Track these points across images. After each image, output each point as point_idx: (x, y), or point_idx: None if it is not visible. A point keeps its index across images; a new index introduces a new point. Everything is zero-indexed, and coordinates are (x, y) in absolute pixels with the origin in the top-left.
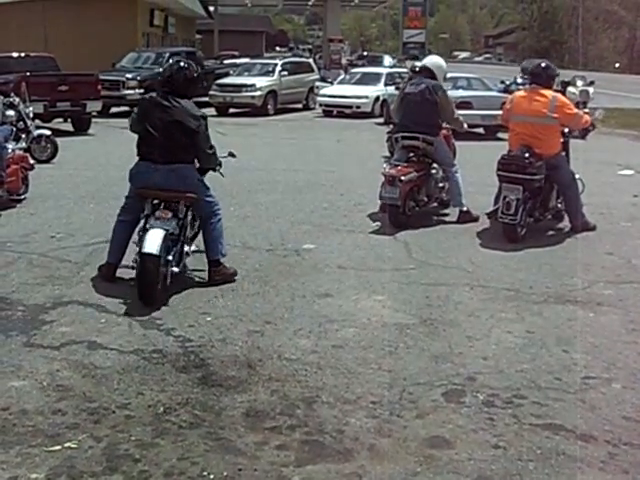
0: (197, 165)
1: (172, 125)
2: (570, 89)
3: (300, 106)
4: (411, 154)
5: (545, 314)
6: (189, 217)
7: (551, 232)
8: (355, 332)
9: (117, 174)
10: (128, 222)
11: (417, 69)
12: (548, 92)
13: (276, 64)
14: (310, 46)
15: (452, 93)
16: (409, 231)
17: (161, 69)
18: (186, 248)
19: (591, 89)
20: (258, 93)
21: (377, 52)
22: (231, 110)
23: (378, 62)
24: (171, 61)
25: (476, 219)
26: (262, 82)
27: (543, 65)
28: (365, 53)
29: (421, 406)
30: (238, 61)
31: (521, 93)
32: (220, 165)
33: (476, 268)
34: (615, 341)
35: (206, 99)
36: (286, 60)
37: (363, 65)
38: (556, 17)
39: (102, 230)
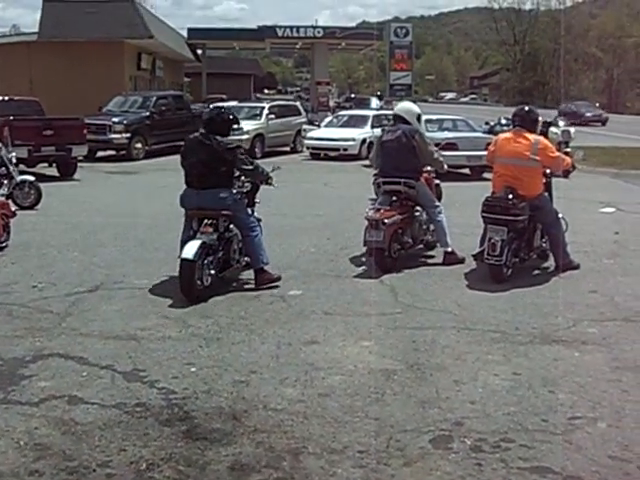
0: (248, 187)
1: (213, 158)
2: (552, 129)
3: (288, 149)
4: (394, 198)
5: (531, 355)
6: (233, 232)
7: (536, 271)
8: (341, 379)
9: (103, 220)
10: (188, 239)
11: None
12: (531, 135)
13: (263, 107)
14: (298, 88)
15: (438, 135)
16: (395, 274)
17: (148, 113)
18: (237, 257)
19: (572, 129)
20: (245, 136)
21: (365, 94)
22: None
23: (365, 104)
24: (210, 108)
25: (462, 261)
26: (249, 125)
27: (527, 109)
28: (352, 95)
29: (408, 454)
30: (226, 104)
31: (505, 135)
32: (270, 178)
33: (462, 310)
34: (600, 380)
35: None
36: (273, 103)
37: (350, 107)
38: (538, 59)
39: (85, 279)
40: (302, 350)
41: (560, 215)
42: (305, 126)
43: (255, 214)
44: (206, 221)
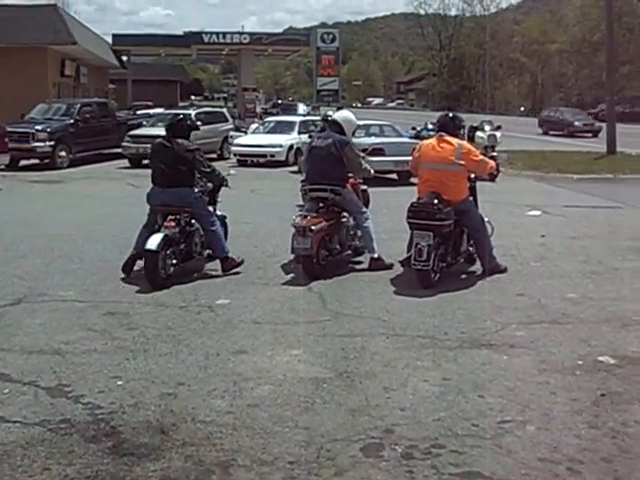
0: (210, 186)
1: (174, 159)
2: (478, 134)
3: (215, 156)
4: (321, 204)
5: (460, 360)
6: (195, 227)
7: (464, 276)
8: (271, 389)
9: (25, 231)
10: (147, 232)
11: (328, 118)
12: (454, 140)
13: (189, 114)
14: (225, 95)
15: (365, 140)
16: (324, 281)
17: (72, 120)
18: (199, 249)
19: (498, 133)
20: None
21: (295, 100)
22: (145, 161)
23: (292, 110)
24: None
25: (389, 266)
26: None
27: (450, 115)
28: (280, 101)
29: (339, 463)
30: (152, 111)
31: (428, 142)
32: (226, 181)
33: (391, 316)
34: (528, 383)
35: (119, 150)
36: (200, 110)
37: (277, 113)
38: (463, 64)
39: (7, 292)
40: (231, 360)
41: (486, 219)
42: (232, 133)
43: (218, 212)
44: (170, 217)
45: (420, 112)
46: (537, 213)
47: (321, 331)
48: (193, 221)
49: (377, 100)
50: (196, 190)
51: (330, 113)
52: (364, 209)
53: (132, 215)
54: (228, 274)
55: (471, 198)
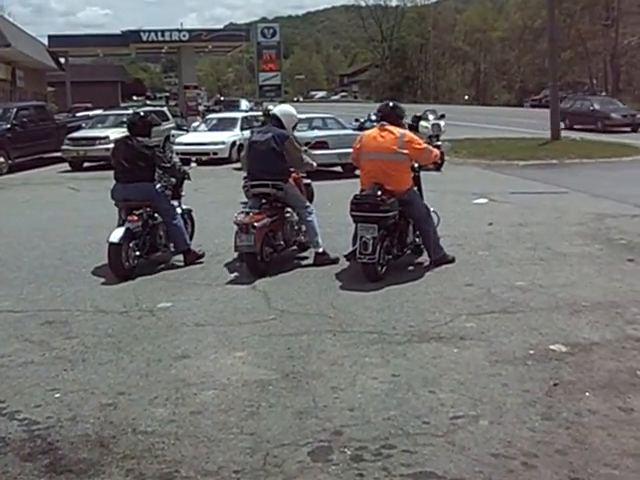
0: (173, 181)
1: (134, 156)
2: (422, 123)
3: None
4: (263, 200)
5: (409, 355)
6: (158, 220)
7: (411, 267)
8: (214, 394)
9: None
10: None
11: (269, 113)
12: (396, 129)
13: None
14: (168, 94)
15: (308, 134)
16: (268, 278)
17: (8, 125)
18: (164, 242)
19: (442, 122)
20: (112, 145)
21: (235, 96)
22: (86, 164)
23: (235, 106)
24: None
25: (335, 261)
26: (116, 134)
27: (391, 105)
28: (222, 98)
29: (287, 469)
30: (91, 113)
31: (370, 132)
32: (188, 174)
33: (338, 313)
34: (480, 375)
35: (59, 154)
36: (141, 109)
37: (220, 110)
38: (406, 54)
39: None
40: (173, 366)
41: (432, 209)
42: (174, 132)
43: (184, 205)
44: (134, 211)
45: (364, 104)
46: (483, 201)
47: (266, 331)
48: (156, 215)
49: (320, 93)
50: (158, 185)
51: (271, 108)
52: (307, 203)
53: (71, 220)
54: (191, 264)
55: (415, 188)
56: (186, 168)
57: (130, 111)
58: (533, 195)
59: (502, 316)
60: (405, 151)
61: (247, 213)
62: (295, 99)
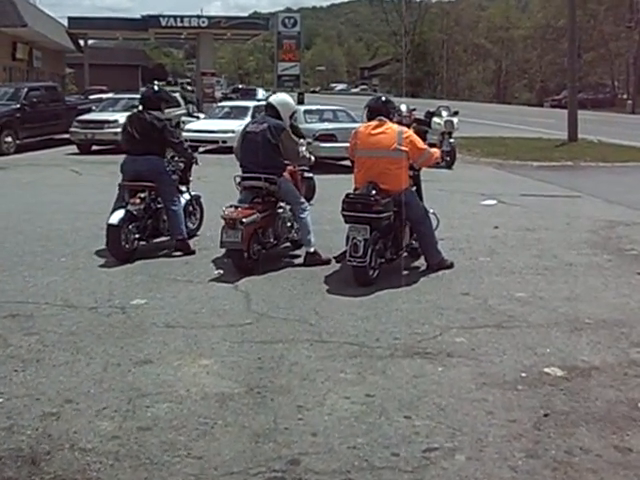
0: (181, 166)
1: (146, 128)
2: (435, 119)
3: None
4: (255, 194)
5: (389, 372)
6: (161, 205)
7: (405, 272)
8: (168, 408)
9: None
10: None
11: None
12: (394, 125)
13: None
14: (189, 80)
15: (317, 126)
16: (254, 277)
17: (18, 105)
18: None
19: (455, 119)
20: (119, 130)
21: (255, 85)
22: (94, 148)
23: (252, 95)
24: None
25: (326, 262)
26: (124, 118)
27: (383, 99)
28: (240, 86)
29: None
30: (104, 96)
31: (366, 125)
32: (195, 158)
33: (320, 319)
34: (463, 400)
35: (67, 136)
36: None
37: (237, 98)
38: (427, 49)
39: None
40: (131, 372)
41: (431, 210)
42: (184, 118)
43: (192, 192)
44: (139, 194)
45: None
46: (492, 202)
47: (239, 336)
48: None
49: (340, 86)
50: (166, 163)
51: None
52: (302, 199)
53: (65, 205)
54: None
55: (414, 188)
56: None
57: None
58: (544, 198)
59: (496, 331)
60: (403, 148)
61: (236, 207)
62: (312, 90)
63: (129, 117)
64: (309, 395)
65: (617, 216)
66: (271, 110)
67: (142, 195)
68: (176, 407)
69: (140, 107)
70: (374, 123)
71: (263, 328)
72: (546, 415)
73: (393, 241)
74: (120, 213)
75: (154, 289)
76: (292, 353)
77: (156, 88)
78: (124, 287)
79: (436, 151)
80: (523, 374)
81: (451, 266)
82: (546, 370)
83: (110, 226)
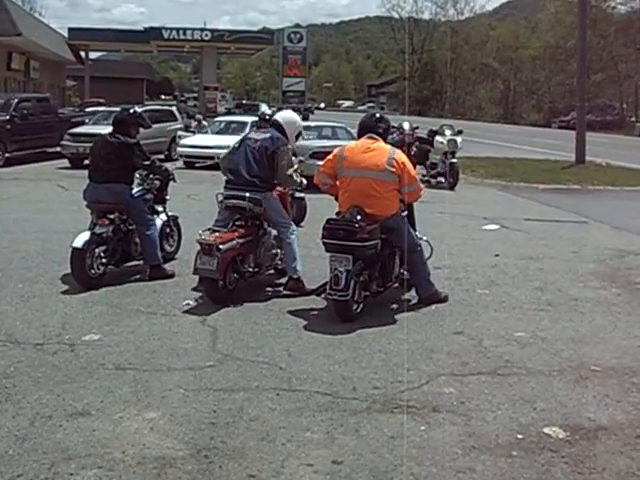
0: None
1: (111, 154)
2: (438, 138)
3: (162, 157)
4: (237, 216)
5: (363, 431)
6: (133, 226)
7: (394, 305)
8: (95, 476)
9: None
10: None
11: (267, 117)
12: (385, 145)
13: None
14: (196, 94)
15: (315, 143)
16: (226, 309)
17: (8, 117)
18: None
19: (459, 138)
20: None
21: (261, 100)
22: (87, 162)
23: (255, 111)
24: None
25: (309, 292)
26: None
27: (377, 116)
28: (243, 101)
29: None
30: (100, 109)
31: (354, 144)
32: (172, 175)
33: (291, 362)
34: (446, 470)
35: (58, 149)
36: (146, 108)
37: (240, 114)
38: (435, 68)
39: None
40: (62, 427)
41: (424, 238)
42: (180, 132)
43: (169, 212)
44: (108, 214)
45: (390, 116)
46: (494, 227)
47: (196, 382)
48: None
49: (347, 103)
50: (136, 189)
51: (268, 112)
52: (289, 222)
53: (40, 223)
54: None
55: (405, 213)
56: (168, 166)
57: (136, 107)
58: (550, 223)
59: (491, 380)
60: (394, 170)
61: (214, 231)
62: (316, 106)
63: (95, 141)
64: (265, 461)
65: (626, 244)
66: (277, 127)
67: (111, 216)
68: (104, 475)
69: (111, 130)
70: (364, 141)
71: (225, 372)
72: None
73: (380, 272)
74: (85, 235)
75: (112, 322)
76: (253, 405)
77: (132, 111)
78: (79, 319)
79: (422, 187)
80: (519, 435)
81: (445, 300)
82: (546, 431)
83: (74, 250)
